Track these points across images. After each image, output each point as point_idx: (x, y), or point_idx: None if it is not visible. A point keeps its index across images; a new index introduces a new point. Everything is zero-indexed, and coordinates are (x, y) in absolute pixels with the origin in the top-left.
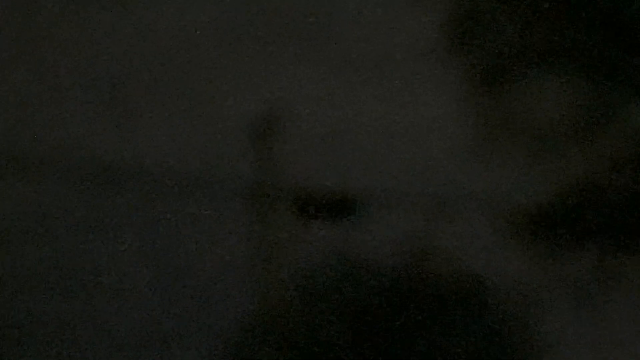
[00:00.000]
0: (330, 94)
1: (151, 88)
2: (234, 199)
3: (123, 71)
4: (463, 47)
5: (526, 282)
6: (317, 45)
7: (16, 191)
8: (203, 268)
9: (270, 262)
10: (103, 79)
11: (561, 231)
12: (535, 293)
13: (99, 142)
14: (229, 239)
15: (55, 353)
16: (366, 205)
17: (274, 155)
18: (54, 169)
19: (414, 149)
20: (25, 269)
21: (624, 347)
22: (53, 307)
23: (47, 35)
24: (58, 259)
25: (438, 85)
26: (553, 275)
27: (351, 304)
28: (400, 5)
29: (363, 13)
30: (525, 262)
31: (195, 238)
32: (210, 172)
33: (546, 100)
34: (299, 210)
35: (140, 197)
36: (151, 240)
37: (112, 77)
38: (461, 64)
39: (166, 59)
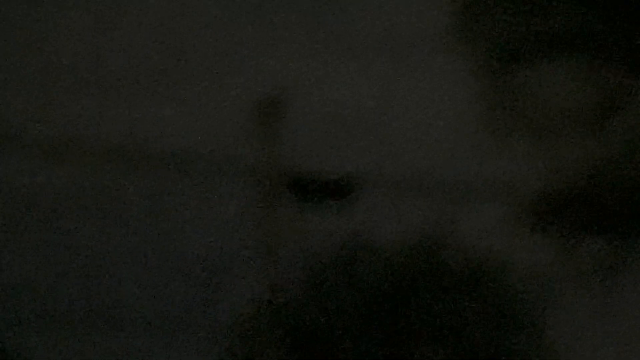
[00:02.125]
0: (338, 77)
1: (156, 70)
2: (236, 181)
3: (130, 53)
4: (471, 33)
5: (534, 268)
6: (325, 29)
7: (28, 171)
8: (207, 254)
9: (273, 247)
10: (111, 62)
11: (570, 218)
12: (543, 278)
13: (106, 125)
14: (231, 222)
15: (59, 336)
16: (372, 189)
17: (278, 137)
18: (63, 151)
19: (421, 134)
20: (30, 251)
21: (630, 333)
22: (56, 286)
23: (55, 23)
24: (65, 242)
25: (446, 71)
26: (560, 261)
27: (358, 288)
28: None
29: None
30: (533, 248)
31: (199, 221)
32: (213, 153)
33: (555, 87)
34: (302, 193)
35: (145, 179)
36: (155, 222)
37: (120, 60)
38: (468, 51)
39: (171, 42)
